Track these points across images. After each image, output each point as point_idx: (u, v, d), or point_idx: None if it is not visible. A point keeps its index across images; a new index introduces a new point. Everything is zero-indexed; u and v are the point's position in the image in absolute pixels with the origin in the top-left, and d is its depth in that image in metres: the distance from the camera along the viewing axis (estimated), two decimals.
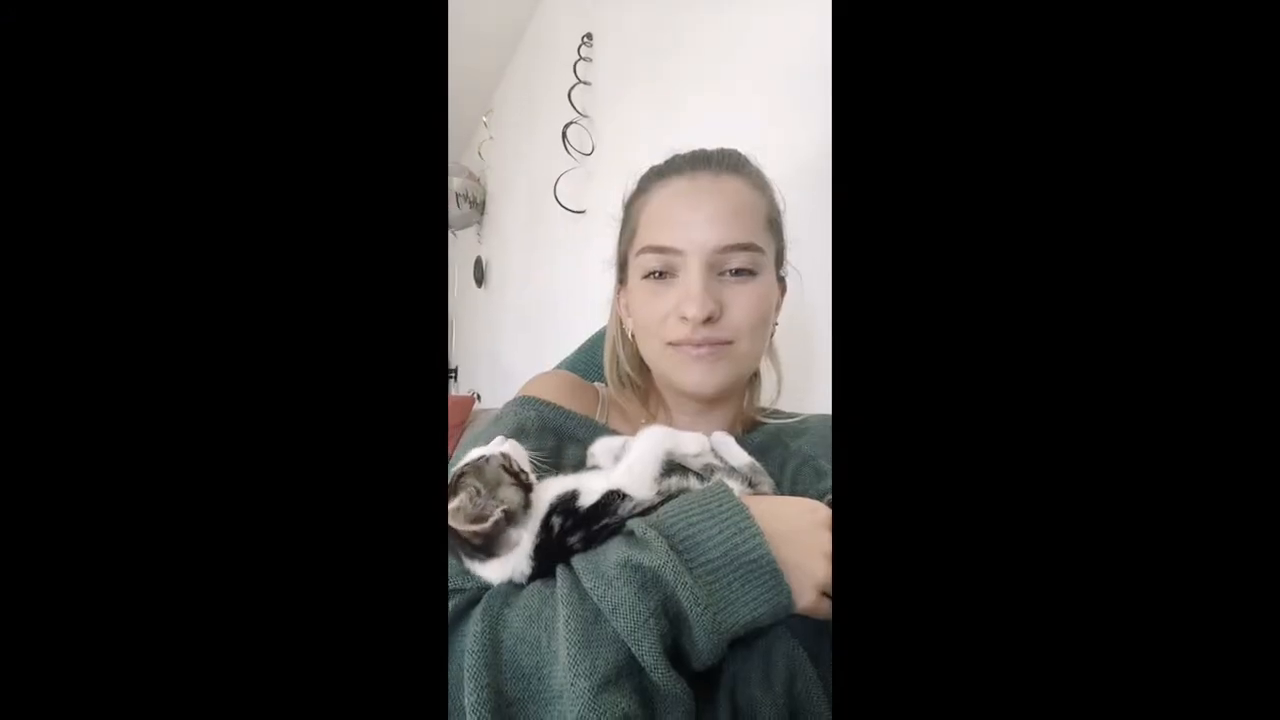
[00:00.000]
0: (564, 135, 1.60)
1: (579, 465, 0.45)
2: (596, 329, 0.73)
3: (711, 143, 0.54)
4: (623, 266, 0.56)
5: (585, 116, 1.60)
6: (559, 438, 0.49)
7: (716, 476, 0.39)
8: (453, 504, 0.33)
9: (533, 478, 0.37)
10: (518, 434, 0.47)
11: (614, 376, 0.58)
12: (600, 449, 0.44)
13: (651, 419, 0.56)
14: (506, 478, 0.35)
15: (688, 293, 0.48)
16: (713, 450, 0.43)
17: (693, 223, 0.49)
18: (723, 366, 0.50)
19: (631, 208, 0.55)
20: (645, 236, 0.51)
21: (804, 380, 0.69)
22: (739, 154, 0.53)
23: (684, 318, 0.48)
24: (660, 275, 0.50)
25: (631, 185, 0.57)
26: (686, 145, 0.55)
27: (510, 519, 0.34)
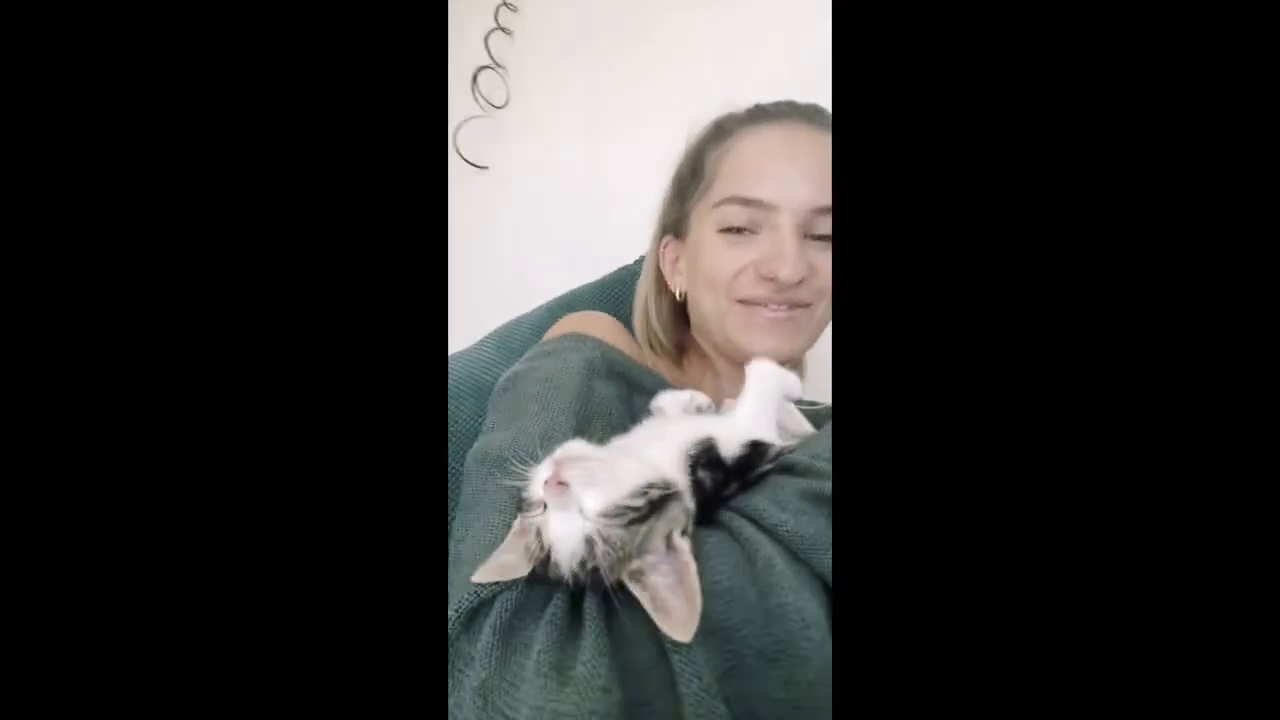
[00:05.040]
0: (474, 80, 1.46)
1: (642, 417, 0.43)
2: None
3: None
4: (683, 218, 0.51)
5: (501, 67, 1.48)
6: (627, 384, 0.45)
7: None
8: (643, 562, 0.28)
9: (673, 482, 0.32)
10: (589, 371, 0.43)
11: (643, 336, 0.54)
12: (668, 402, 0.42)
13: (689, 384, 0.54)
14: (657, 513, 0.29)
15: (780, 252, 0.44)
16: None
17: (790, 177, 0.45)
18: (799, 333, 0.48)
19: (706, 153, 0.50)
20: (729, 187, 0.47)
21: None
22: (826, 110, 0.49)
23: (769, 278, 0.45)
24: (740, 230, 0.46)
25: (700, 129, 0.51)
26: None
27: (688, 522, 0.31)
